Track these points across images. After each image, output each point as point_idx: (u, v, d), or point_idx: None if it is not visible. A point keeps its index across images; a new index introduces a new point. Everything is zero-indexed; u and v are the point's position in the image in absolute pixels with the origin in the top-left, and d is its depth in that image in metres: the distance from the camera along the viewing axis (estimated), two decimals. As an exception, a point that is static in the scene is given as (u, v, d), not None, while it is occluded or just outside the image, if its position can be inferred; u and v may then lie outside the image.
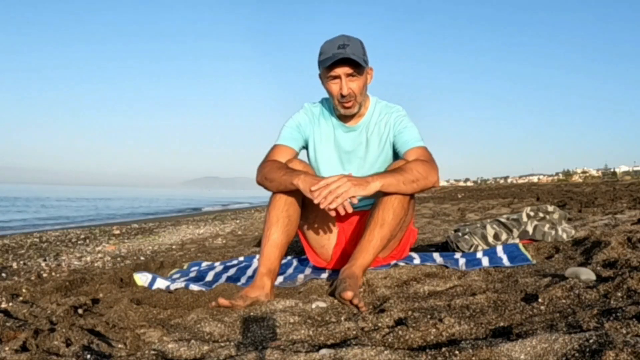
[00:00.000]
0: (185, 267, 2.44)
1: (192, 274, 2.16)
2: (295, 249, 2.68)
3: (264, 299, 1.54)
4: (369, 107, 1.94)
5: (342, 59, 1.71)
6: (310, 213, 1.87)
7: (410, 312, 1.24)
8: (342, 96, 1.79)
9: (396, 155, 1.91)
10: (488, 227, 2.29)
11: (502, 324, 1.14)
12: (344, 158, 1.93)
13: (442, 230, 3.65)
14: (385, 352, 0.95)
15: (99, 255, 3.51)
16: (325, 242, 1.97)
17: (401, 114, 1.92)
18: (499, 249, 2.11)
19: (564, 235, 2.22)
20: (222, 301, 1.47)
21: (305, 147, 1.97)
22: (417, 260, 1.98)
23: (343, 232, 1.97)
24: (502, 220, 2.31)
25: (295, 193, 1.70)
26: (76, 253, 3.68)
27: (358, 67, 1.74)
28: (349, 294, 1.43)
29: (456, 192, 13.58)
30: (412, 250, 2.31)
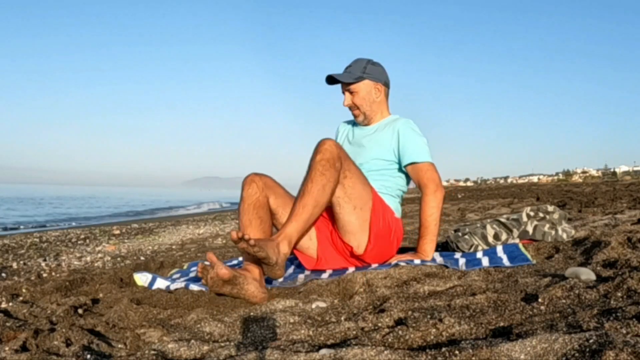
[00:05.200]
0: (185, 267, 2.44)
1: (192, 274, 2.16)
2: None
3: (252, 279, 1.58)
4: (385, 118, 2.19)
5: (328, 78, 2.10)
6: (284, 218, 1.91)
7: (410, 312, 1.24)
8: (348, 106, 2.15)
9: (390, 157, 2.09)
10: (488, 227, 2.29)
11: (502, 324, 1.14)
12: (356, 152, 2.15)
13: (442, 230, 3.64)
14: (385, 352, 0.95)
15: (99, 255, 3.51)
16: (309, 244, 2.00)
17: (409, 123, 2.12)
18: (499, 249, 2.11)
19: (564, 235, 2.22)
20: (211, 256, 1.50)
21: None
22: (417, 261, 1.98)
23: (319, 230, 2.00)
24: (502, 220, 2.31)
25: (263, 197, 1.82)
26: (76, 253, 3.68)
27: (350, 83, 2.09)
28: (234, 234, 1.46)
29: (456, 192, 13.58)
30: (411, 250, 2.31)
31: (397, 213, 2.12)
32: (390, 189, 2.10)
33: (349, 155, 1.89)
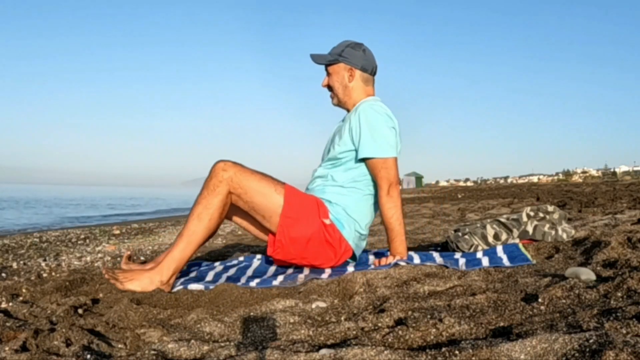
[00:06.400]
0: (185, 267, 2.44)
1: (192, 274, 2.16)
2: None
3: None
4: (358, 102, 2.13)
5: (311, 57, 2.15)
6: (234, 213, 2.12)
7: (410, 312, 1.24)
8: (324, 87, 2.20)
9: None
10: (488, 227, 2.29)
11: (502, 324, 1.14)
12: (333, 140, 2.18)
13: (442, 230, 3.64)
14: (385, 352, 0.95)
15: (99, 255, 3.51)
16: (259, 234, 2.17)
17: (370, 109, 2.03)
18: (499, 249, 2.11)
19: (564, 235, 2.22)
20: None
21: None
22: (417, 260, 1.98)
23: None
24: (502, 220, 2.31)
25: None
26: (76, 253, 3.68)
27: (328, 65, 2.14)
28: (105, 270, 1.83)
29: (456, 192, 13.59)
30: (412, 250, 2.32)
31: (349, 209, 2.03)
32: (358, 181, 2.06)
33: (248, 167, 1.92)
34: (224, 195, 1.84)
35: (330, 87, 2.17)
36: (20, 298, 1.73)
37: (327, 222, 1.98)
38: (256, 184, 1.89)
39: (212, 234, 1.91)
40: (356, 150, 2.04)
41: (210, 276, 2.10)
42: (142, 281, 1.76)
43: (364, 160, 2.03)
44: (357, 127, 2.01)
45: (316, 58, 2.15)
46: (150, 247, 4.03)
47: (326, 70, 2.16)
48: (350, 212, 2.04)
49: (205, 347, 1.10)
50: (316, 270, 2.05)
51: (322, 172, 2.13)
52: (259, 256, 2.39)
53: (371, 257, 2.18)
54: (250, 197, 1.88)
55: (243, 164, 1.93)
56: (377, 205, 2.12)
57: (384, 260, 1.95)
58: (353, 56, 2.10)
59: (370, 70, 2.14)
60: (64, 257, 3.36)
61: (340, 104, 2.17)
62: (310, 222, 1.95)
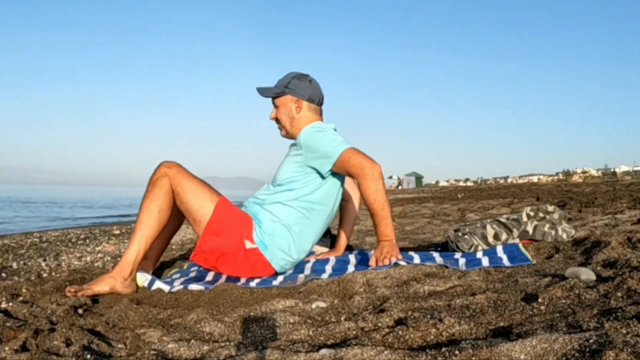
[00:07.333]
0: (185, 267, 2.44)
1: (192, 274, 2.16)
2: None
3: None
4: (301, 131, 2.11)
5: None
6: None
7: (410, 312, 1.24)
8: (272, 120, 2.19)
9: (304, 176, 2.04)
10: (488, 227, 2.29)
11: (502, 324, 1.14)
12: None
13: (442, 230, 3.65)
14: (385, 352, 0.95)
15: (99, 255, 3.51)
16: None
17: (306, 132, 2.05)
18: (499, 249, 2.11)
19: (564, 235, 2.22)
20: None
21: None
22: (417, 260, 1.98)
23: None
24: (502, 220, 2.31)
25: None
26: (76, 253, 3.68)
27: (275, 97, 2.14)
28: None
29: (456, 192, 13.59)
30: (412, 250, 2.31)
31: (277, 235, 2.01)
32: (297, 201, 2.04)
33: (189, 172, 1.97)
34: (168, 188, 1.90)
35: (277, 120, 2.16)
36: (20, 298, 1.73)
37: (247, 244, 1.97)
38: (195, 187, 1.95)
39: (165, 226, 1.94)
40: (312, 173, 2.04)
41: (210, 276, 2.10)
42: (106, 281, 1.79)
43: (330, 171, 2.01)
44: (309, 149, 2.01)
45: (263, 91, 2.15)
46: (150, 247, 4.02)
47: (273, 103, 2.16)
48: (279, 238, 2.01)
49: (205, 347, 1.10)
50: (316, 270, 2.06)
51: (268, 188, 2.12)
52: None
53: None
54: (186, 198, 1.93)
55: (186, 168, 1.99)
56: (316, 230, 2.11)
57: (378, 255, 1.93)
58: (299, 87, 2.10)
59: (317, 100, 2.14)
60: (64, 257, 3.36)
61: (288, 135, 2.16)
62: (229, 239, 1.95)
